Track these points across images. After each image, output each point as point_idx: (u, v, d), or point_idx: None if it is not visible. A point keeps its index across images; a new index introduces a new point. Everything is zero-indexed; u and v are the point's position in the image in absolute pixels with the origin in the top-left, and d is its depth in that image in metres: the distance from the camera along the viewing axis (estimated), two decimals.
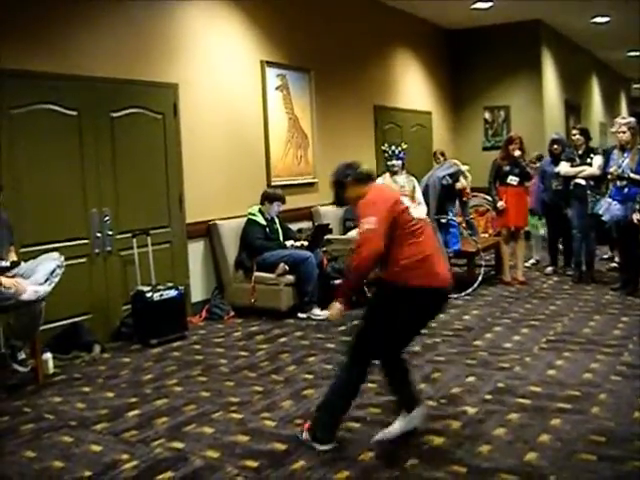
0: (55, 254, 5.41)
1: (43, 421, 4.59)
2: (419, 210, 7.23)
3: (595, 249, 8.71)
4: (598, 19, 13.18)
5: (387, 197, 3.94)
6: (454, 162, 9.89)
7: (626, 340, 5.95)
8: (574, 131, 8.66)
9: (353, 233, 8.80)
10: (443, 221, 8.23)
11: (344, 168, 4.11)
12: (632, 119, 7.89)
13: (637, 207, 7.41)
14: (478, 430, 4.12)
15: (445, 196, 8.19)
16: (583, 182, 8.19)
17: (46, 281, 5.17)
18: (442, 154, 11.13)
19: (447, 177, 8.18)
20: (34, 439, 4.29)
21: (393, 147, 7.32)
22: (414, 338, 4.20)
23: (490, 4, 11.53)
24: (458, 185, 8.64)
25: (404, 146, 7.43)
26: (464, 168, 8.90)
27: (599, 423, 4.15)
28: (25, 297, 5.04)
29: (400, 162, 7.29)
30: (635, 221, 7.40)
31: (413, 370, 5.08)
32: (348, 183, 4.06)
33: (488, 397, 4.68)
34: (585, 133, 8.48)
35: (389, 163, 7.30)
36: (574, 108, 15.81)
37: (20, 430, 4.44)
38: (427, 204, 7.89)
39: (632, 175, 7.50)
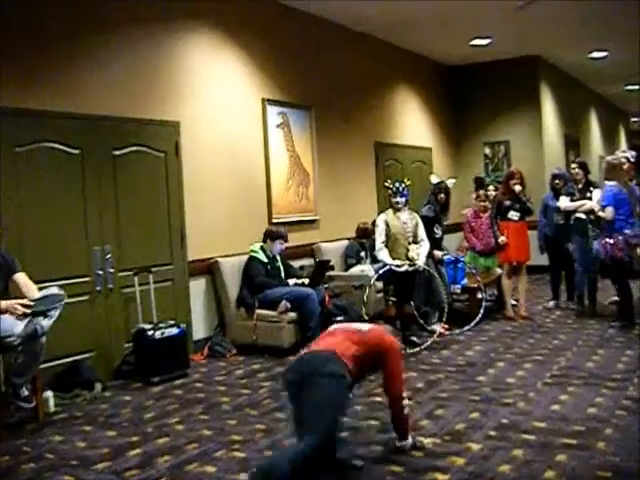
0: (55, 289, 5.39)
1: (43, 460, 4.55)
2: (423, 248, 7.26)
3: (597, 283, 8.68)
4: (596, 54, 13.32)
5: None
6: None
7: (631, 374, 5.90)
8: (573, 165, 8.70)
9: (355, 270, 8.80)
10: (447, 258, 8.29)
11: None
12: (613, 157, 7.91)
13: (635, 242, 7.41)
14: (483, 467, 4.08)
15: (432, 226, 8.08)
16: (584, 216, 8.19)
17: (46, 317, 5.14)
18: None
19: (427, 209, 8.11)
20: (35, 479, 4.25)
21: (397, 184, 7.32)
22: None
23: (488, 40, 11.65)
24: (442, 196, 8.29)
25: (407, 182, 7.43)
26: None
27: (605, 458, 4.10)
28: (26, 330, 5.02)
29: (404, 199, 7.29)
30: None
31: (416, 407, 5.05)
32: None
33: (492, 433, 4.64)
34: (584, 167, 8.52)
35: (393, 200, 7.30)
36: (573, 142, 15.89)
37: (20, 470, 4.41)
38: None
39: (600, 214, 7.62)
